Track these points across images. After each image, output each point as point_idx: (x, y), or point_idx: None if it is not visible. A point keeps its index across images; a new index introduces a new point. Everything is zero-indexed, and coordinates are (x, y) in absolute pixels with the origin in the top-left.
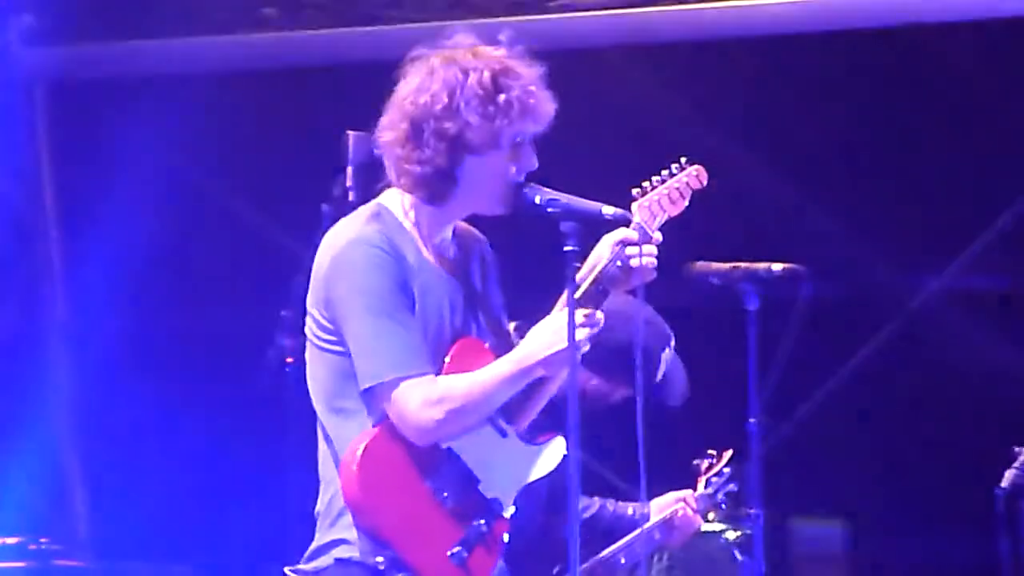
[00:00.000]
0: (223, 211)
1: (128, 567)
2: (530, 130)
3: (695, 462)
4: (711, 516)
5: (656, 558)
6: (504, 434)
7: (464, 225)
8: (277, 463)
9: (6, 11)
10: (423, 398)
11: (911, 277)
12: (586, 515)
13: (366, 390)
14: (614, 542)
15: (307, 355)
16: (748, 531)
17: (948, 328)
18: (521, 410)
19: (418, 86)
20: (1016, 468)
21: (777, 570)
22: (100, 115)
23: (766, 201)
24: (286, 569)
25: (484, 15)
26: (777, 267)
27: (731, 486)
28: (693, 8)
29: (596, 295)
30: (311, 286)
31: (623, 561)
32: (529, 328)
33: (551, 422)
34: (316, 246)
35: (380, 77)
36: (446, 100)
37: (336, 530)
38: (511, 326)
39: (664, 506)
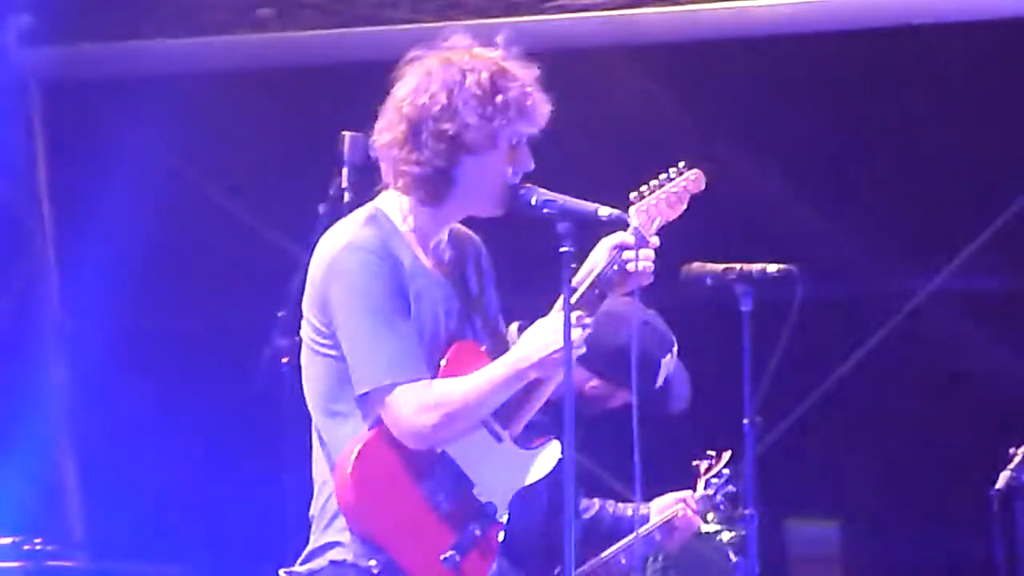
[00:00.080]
0: (220, 211)
1: (123, 568)
2: (526, 131)
3: (694, 463)
4: (710, 517)
5: (652, 559)
6: (499, 438)
7: (459, 227)
8: (273, 464)
9: (3, 11)
10: (418, 403)
11: (909, 277)
12: (587, 516)
13: (361, 395)
14: (615, 543)
15: (302, 358)
16: (743, 532)
17: (946, 328)
18: (516, 413)
19: (416, 87)
20: (1011, 469)
21: (772, 571)
22: (97, 115)
23: (761, 201)
24: (281, 571)
25: (481, 16)
26: (772, 268)
27: (730, 487)
28: (689, 9)
29: (593, 299)
30: (307, 290)
31: (623, 562)
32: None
33: (551, 422)
34: (313, 247)
35: (377, 77)
36: (444, 101)
37: (331, 533)
38: (513, 326)
39: (664, 507)
